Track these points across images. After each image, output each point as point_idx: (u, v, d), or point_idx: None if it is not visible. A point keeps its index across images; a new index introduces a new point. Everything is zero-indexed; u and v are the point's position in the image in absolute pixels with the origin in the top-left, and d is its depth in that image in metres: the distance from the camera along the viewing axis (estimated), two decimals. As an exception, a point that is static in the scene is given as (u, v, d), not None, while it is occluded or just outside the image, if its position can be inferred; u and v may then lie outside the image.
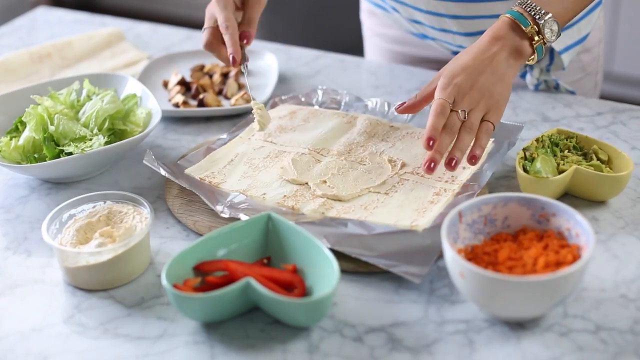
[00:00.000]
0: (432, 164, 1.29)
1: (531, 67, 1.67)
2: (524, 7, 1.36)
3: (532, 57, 1.38)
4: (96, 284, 1.21)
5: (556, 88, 1.68)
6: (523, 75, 1.70)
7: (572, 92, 1.68)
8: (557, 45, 1.61)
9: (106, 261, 1.19)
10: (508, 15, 1.36)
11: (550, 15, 1.35)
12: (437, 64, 1.82)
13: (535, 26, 1.35)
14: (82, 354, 1.11)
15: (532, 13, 1.35)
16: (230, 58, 1.49)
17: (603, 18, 1.78)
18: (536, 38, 1.36)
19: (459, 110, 1.31)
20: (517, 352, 1.08)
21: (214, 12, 1.52)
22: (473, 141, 1.32)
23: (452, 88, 1.31)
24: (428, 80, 1.74)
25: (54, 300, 1.21)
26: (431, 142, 1.28)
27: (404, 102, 1.41)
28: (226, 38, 1.50)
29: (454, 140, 1.31)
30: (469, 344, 1.09)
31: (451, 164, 1.30)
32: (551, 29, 1.36)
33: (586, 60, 1.75)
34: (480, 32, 1.43)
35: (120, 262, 1.20)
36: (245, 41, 1.52)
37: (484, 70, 1.33)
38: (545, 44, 1.37)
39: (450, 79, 1.32)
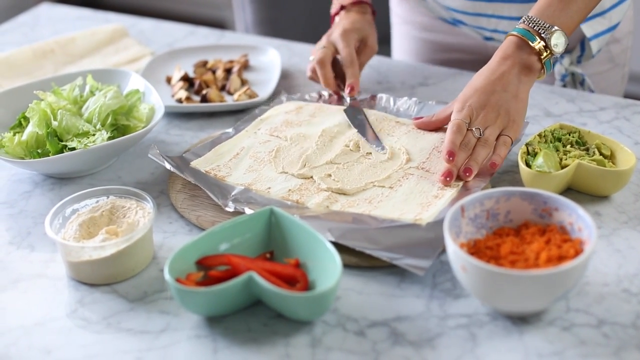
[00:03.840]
0: (449, 177, 1.33)
1: (562, 56, 1.68)
2: (529, 23, 1.39)
3: (542, 71, 1.41)
4: (99, 278, 1.21)
5: (581, 84, 1.69)
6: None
7: (592, 92, 1.69)
8: (588, 32, 1.63)
9: (109, 256, 1.19)
10: (514, 33, 1.40)
11: (555, 27, 1.38)
12: (466, 52, 1.83)
13: (542, 41, 1.38)
14: (85, 348, 1.11)
15: (537, 29, 1.38)
16: (348, 88, 1.60)
17: (633, 9, 1.79)
18: (544, 53, 1.39)
19: (474, 129, 1.36)
20: (520, 346, 1.08)
21: (336, 42, 1.64)
22: (490, 153, 1.36)
23: (467, 109, 1.37)
24: (431, 75, 1.75)
25: (57, 294, 1.21)
26: (451, 157, 1.33)
27: (422, 117, 1.48)
28: (349, 71, 1.61)
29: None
30: (472, 338, 1.09)
31: (466, 174, 1.34)
32: (558, 42, 1.39)
33: (615, 51, 1.76)
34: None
35: (123, 256, 1.20)
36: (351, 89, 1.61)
37: (494, 90, 1.38)
38: (553, 55, 1.39)
39: (464, 102, 1.39)
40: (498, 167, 1.35)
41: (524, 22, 1.40)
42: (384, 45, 1.94)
